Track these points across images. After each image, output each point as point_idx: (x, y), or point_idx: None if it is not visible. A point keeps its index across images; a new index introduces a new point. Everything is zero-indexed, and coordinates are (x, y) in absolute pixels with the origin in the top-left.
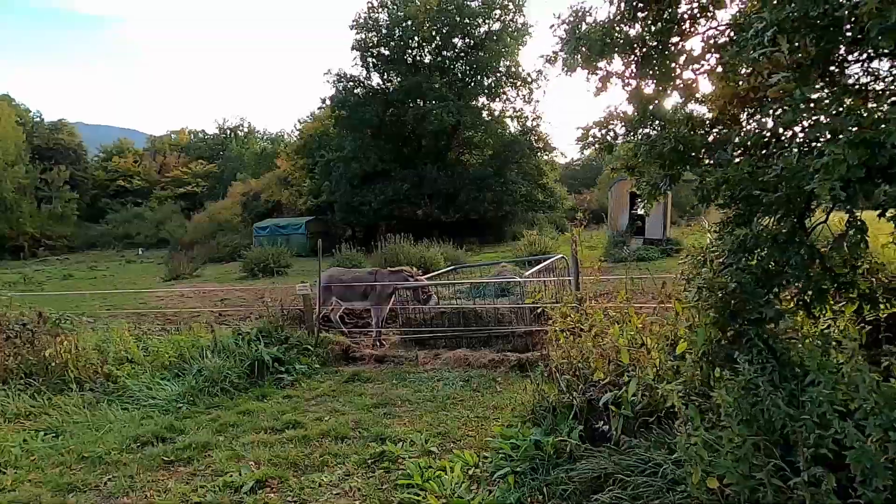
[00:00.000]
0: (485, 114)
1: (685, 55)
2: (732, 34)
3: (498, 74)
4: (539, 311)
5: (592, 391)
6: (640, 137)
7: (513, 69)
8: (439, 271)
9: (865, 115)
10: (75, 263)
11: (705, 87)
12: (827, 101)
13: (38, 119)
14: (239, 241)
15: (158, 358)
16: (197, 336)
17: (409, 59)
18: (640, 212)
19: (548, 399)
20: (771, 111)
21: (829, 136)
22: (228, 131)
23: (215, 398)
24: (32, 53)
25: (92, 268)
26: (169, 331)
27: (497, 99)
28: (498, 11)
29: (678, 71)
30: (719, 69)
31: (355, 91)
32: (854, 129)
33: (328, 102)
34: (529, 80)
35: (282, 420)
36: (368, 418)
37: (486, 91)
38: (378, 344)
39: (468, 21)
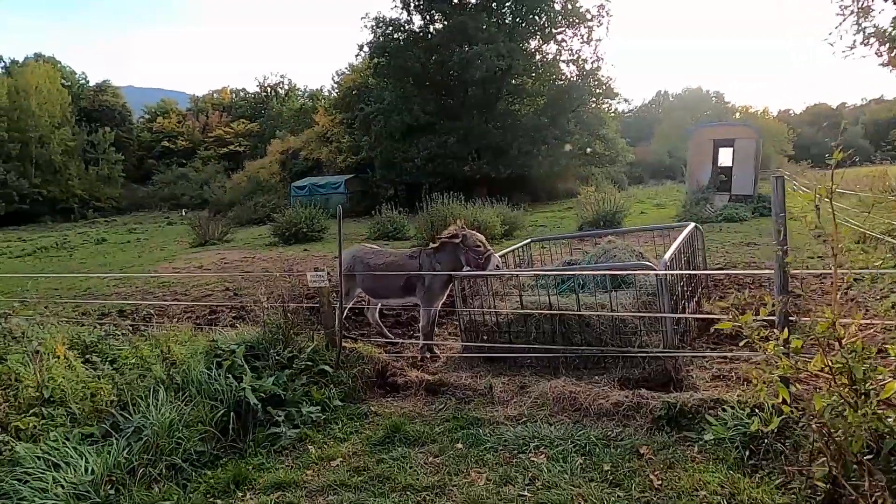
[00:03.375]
0: (538, 57)
1: None
2: None
3: (552, 12)
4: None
5: None
6: None
7: (569, 6)
8: (512, 247)
9: None
10: (121, 225)
11: None
12: None
13: (83, 81)
14: (277, 201)
15: (94, 396)
16: (150, 359)
17: None
18: (726, 164)
19: None
20: None
21: None
22: (269, 89)
23: (155, 488)
24: (83, 16)
25: (131, 231)
26: (140, 331)
27: (551, 40)
28: None
29: None
30: None
31: (395, 36)
32: None
33: (366, 50)
34: (588, 17)
35: None
36: None
37: (539, 32)
38: (429, 357)
39: None
